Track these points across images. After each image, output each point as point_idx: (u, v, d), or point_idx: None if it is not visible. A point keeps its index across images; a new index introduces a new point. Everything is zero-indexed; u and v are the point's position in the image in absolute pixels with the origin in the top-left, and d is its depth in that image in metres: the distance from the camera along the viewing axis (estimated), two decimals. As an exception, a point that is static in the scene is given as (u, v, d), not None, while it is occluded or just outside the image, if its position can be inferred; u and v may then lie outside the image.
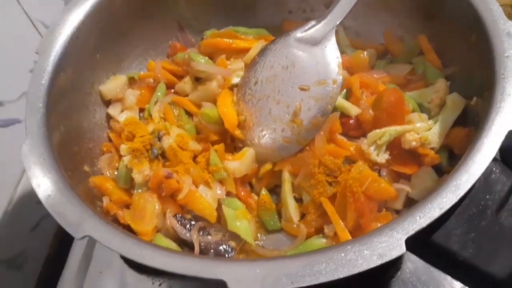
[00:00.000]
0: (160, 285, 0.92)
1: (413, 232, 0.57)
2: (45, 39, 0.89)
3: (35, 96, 0.82)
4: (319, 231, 0.83)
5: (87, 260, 1.00)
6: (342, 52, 1.02)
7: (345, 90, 0.91)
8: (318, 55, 0.87)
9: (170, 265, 0.59)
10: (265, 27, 1.12)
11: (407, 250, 0.57)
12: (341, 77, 0.84)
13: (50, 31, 0.90)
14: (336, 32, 0.96)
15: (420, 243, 0.63)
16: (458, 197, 0.58)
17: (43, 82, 0.83)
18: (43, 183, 0.70)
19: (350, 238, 0.77)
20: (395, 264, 0.85)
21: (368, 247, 0.56)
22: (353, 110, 0.86)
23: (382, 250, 0.56)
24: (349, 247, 0.57)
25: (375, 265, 0.55)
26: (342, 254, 0.56)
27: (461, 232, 0.61)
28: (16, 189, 1.12)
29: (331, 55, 0.86)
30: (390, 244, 0.56)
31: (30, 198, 1.11)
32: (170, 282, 0.92)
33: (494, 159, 0.62)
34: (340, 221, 0.79)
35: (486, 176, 0.64)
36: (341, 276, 0.55)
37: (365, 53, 0.98)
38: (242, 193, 0.89)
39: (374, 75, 0.94)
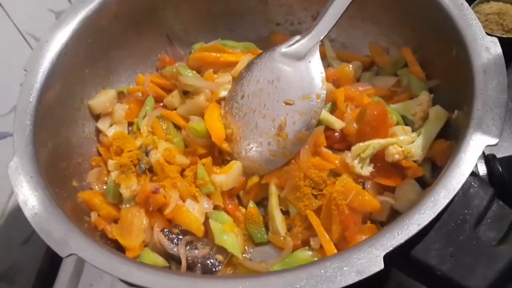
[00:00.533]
0: (150, 298, 0.93)
1: (391, 248, 0.58)
2: (33, 56, 0.90)
3: (23, 113, 0.83)
4: (306, 243, 0.84)
5: (77, 273, 1.01)
6: (328, 64, 1.04)
7: (330, 104, 0.92)
8: (302, 70, 0.88)
9: (155, 283, 0.60)
10: (253, 39, 1.14)
11: (389, 265, 0.58)
12: (324, 92, 0.86)
13: (38, 48, 0.91)
14: (322, 45, 0.98)
15: (400, 258, 0.64)
16: (436, 213, 0.60)
17: (30, 99, 0.84)
18: (30, 201, 0.71)
19: (335, 250, 0.78)
20: (380, 277, 0.85)
21: (347, 263, 0.57)
22: (338, 123, 0.88)
23: (360, 267, 0.57)
24: (328, 263, 0.58)
25: (353, 281, 0.56)
26: (322, 271, 0.57)
27: (440, 247, 0.62)
28: (8, 203, 1.13)
29: (315, 69, 0.87)
30: (368, 260, 0.57)
31: (22, 212, 1.12)
32: (159, 295, 0.93)
33: (472, 174, 0.64)
34: (325, 233, 0.80)
35: (464, 190, 0.65)
36: (321, 293, 0.56)
37: (351, 66, 1.00)
38: (230, 206, 0.90)
39: (359, 88, 0.95)
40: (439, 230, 0.63)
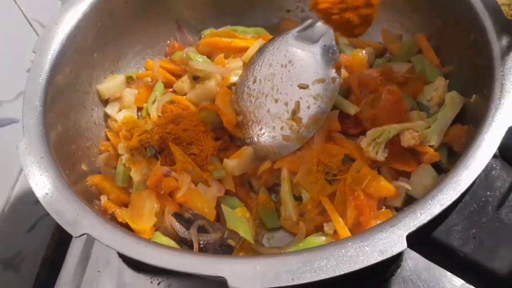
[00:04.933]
0: (158, 284, 0.92)
1: (414, 228, 0.57)
2: (42, 37, 0.88)
3: (32, 94, 0.81)
4: (319, 229, 0.83)
5: (85, 259, 1.00)
6: (340, 51, 1.03)
7: (344, 89, 0.91)
8: (317, 54, 0.86)
9: (169, 262, 0.59)
10: (263, 26, 1.13)
11: (411, 247, 0.57)
12: (340, 76, 0.84)
13: (47, 30, 0.89)
14: (335, 31, 0.96)
15: (420, 240, 0.62)
16: (459, 194, 0.58)
17: (40, 80, 0.83)
18: (41, 181, 0.69)
19: (350, 235, 0.76)
20: (395, 262, 0.84)
21: (369, 243, 0.56)
22: (352, 108, 0.86)
23: (383, 247, 0.56)
24: (350, 243, 0.56)
25: (376, 261, 0.54)
26: (343, 251, 0.56)
27: (462, 229, 0.61)
28: (13, 190, 1.11)
29: (330, 53, 0.86)
30: (391, 240, 0.56)
31: (27, 199, 1.11)
32: (168, 281, 0.92)
33: (495, 156, 0.62)
34: (340, 218, 0.79)
35: (486, 172, 0.64)
36: (342, 273, 0.54)
37: (364, 51, 0.98)
38: (241, 192, 0.88)
39: (373, 74, 0.94)
40: (461, 211, 0.62)
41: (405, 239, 0.56)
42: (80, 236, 0.63)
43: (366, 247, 0.56)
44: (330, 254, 0.56)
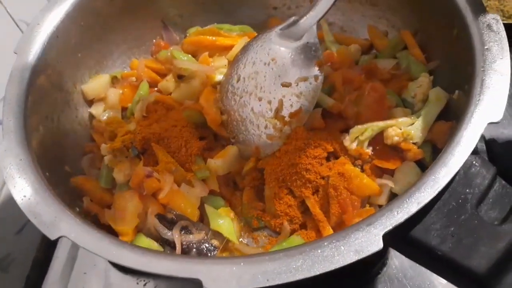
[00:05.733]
0: (145, 285, 0.91)
1: (390, 227, 0.56)
2: (24, 38, 0.88)
3: (14, 96, 0.81)
4: (303, 227, 0.83)
5: (71, 261, 0.99)
6: (326, 47, 1.02)
7: (328, 86, 0.90)
8: (300, 51, 0.86)
9: (145, 265, 0.58)
10: (250, 24, 1.12)
11: (389, 246, 0.56)
12: (322, 73, 0.84)
13: (29, 30, 0.89)
14: (320, 28, 0.96)
15: (400, 238, 0.62)
16: (436, 192, 0.58)
17: (21, 82, 0.82)
18: (19, 184, 0.69)
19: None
20: (381, 260, 0.84)
21: (345, 243, 0.56)
22: (335, 106, 0.86)
23: (359, 246, 0.55)
24: (325, 243, 0.56)
25: (351, 261, 0.54)
26: (319, 251, 0.55)
27: (440, 227, 0.60)
28: (1, 192, 1.11)
29: (313, 51, 0.85)
30: (367, 239, 0.55)
31: (15, 201, 1.10)
32: (155, 282, 0.91)
33: (474, 152, 0.62)
34: (323, 217, 0.78)
35: (465, 169, 0.63)
36: (318, 273, 0.54)
37: (350, 48, 0.97)
38: (225, 191, 0.88)
39: (358, 71, 0.93)
40: (440, 209, 0.61)
41: (381, 238, 0.55)
42: (57, 238, 0.62)
43: (342, 247, 0.55)
44: (306, 255, 0.55)
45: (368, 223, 0.57)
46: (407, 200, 0.58)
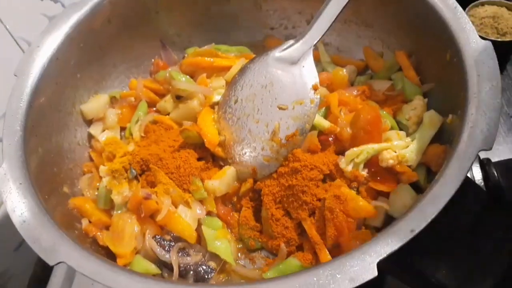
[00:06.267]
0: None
1: (385, 255, 0.57)
2: (24, 60, 0.89)
3: (13, 119, 0.82)
4: (300, 249, 0.83)
5: (69, 279, 1.00)
6: (322, 69, 1.04)
7: (324, 108, 0.91)
8: (296, 75, 0.87)
9: (144, 292, 0.59)
10: (247, 43, 1.13)
11: (385, 272, 0.57)
12: (318, 97, 0.85)
13: (28, 53, 0.90)
14: (316, 49, 0.97)
15: (395, 265, 0.63)
16: (430, 219, 0.59)
17: (21, 104, 0.84)
18: (18, 208, 0.70)
19: (329, 257, 0.77)
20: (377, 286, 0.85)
21: (340, 271, 0.57)
22: (331, 129, 0.87)
23: (354, 274, 0.56)
24: (321, 271, 0.57)
25: (346, 289, 0.55)
26: (315, 279, 0.56)
27: (435, 253, 0.61)
28: (-1, 208, 1.11)
29: (309, 74, 0.87)
30: (362, 267, 0.56)
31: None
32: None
33: (467, 179, 0.63)
34: (320, 239, 0.79)
35: (459, 196, 0.64)
36: (313, 301, 0.55)
37: (345, 70, 0.99)
38: (223, 212, 0.89)
39: (353, 92, 0.95)
40: (434, 236, 0.62)
41: (375, 266, 0.56)
42: (56, 264, 0.63)
43: (337, 275, 0.56)
44: (303, 283, 0.56)
45: (363, 251, 0.58)
46: (401, 227, 0.59)
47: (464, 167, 0.63)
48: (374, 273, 0.56)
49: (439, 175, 0.63)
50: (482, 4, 1.28)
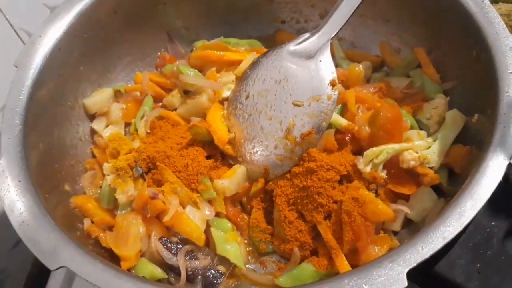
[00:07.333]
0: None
1: (415, 264, 0.53)
2: (25, 51, 0.85)
3: (13, 112, 0.78)
4: (314, 253, 0.79)
5: (69, 281, 0.95)
6: (337, 64, 0.99)
7: (340, 105, 0.87)
8: (312, 69, 0.83)
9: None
10: (257, 37, 1.09)
11: (409, 280, 0.53)
12: (336, 93, 0.80)
13: (30, 43, 0.86)
14: (331, 44, 0.93)
15: (422, 274, 0.58)
16: (463, 226, 0.55)
17: (21, 97, 0.79)
18: (17, 207, 0.66)
19: (346, 262, 0.73)
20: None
21: (367, 280, 0.52)
22: (349, 127, 0.82)
23: (381, 284, 0.52)
24: (346, 280, 0.53)
25: (374, 301, 0.50)
26: (339, 289, 0.52)
27: (466, 262, 0.57)
28: (-5, 206, 1.07)
29: (326, 69, 0.82)
30: (390, 277, 0.52)
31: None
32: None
33: (500, 183, 0.58)
34: (336, 244, 0.75)
35: (491, 201, 0.60)
36: (338, 314, 0.50)
37: (361, 66, 0.94)
38: (232, 213, 0.84)
39: (370, 89, 0.90)
40: (465, 244, 0.58)
41: (405, 276, 0.52)
42: (57, 269, 0.59)
43: (364, 285, 0.52)
44: (325, 293, 0.52)
45: (391, 260, 0.53)
46: (432, 234, 0.55)
47: (499, 170, 0.59)
48: (404, 283, 0.51)
49: (471, 178, 0.59)
50: (496, 1, 1.24)
